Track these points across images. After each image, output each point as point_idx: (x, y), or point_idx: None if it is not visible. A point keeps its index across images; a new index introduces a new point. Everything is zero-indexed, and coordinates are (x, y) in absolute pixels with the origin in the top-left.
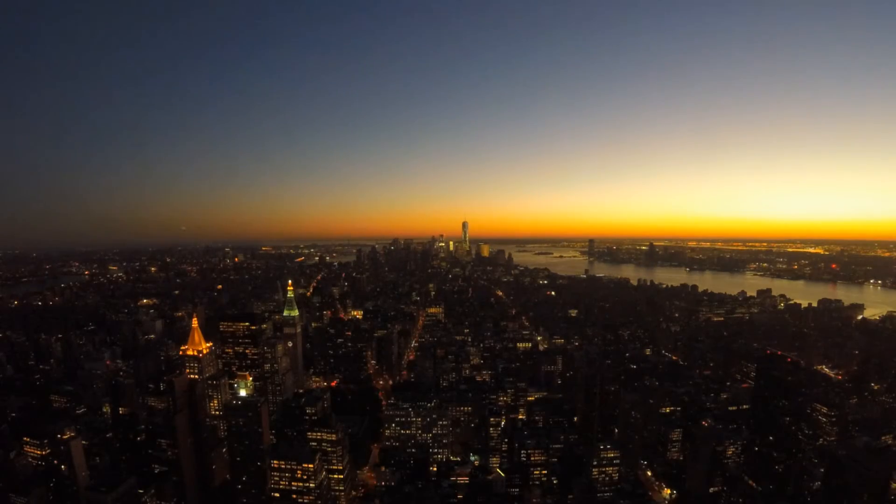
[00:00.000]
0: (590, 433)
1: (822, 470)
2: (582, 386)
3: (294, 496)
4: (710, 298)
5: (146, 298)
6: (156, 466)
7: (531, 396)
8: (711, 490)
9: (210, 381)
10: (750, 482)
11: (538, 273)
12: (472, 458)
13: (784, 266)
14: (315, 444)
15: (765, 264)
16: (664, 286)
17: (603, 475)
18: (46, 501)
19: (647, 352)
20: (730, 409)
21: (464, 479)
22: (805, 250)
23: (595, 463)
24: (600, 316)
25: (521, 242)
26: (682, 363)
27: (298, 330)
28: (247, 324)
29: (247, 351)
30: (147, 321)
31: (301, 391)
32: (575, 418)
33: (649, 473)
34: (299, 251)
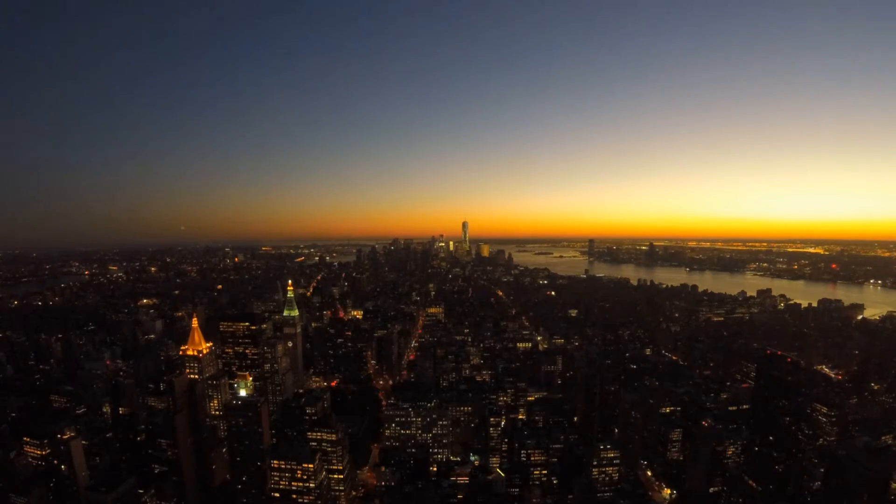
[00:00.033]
0: (590, 433)
1: (822, 470)
2: (582, 386)
3: (294, 496)
4: (710, 298)
5: (146, 298)
6: (156, 466)
7: (531, 396)
8: (711, 490)
9: (210, 381)
10: (750, 482)
11: (538, 273)
12: (472, 458)
13: (784, 266)
14: (315, 444)
15: (765, 264)
16: (664, 286)
17: (603, 475)
18: (46, 501)
19: (647, 352)
20: (730, 409)
21: (464, 479)
22: (805, 250)
23: (595, 463)
24: (600, 316)
25: (521, 242)
26: (682, 363)
27: (298, 330)
28: (247, 324)
29: (247, 351)
30: (147, 321)
31: (301, 391)
32: (575, 418)
33: (649, 473)
34: (299, 251)
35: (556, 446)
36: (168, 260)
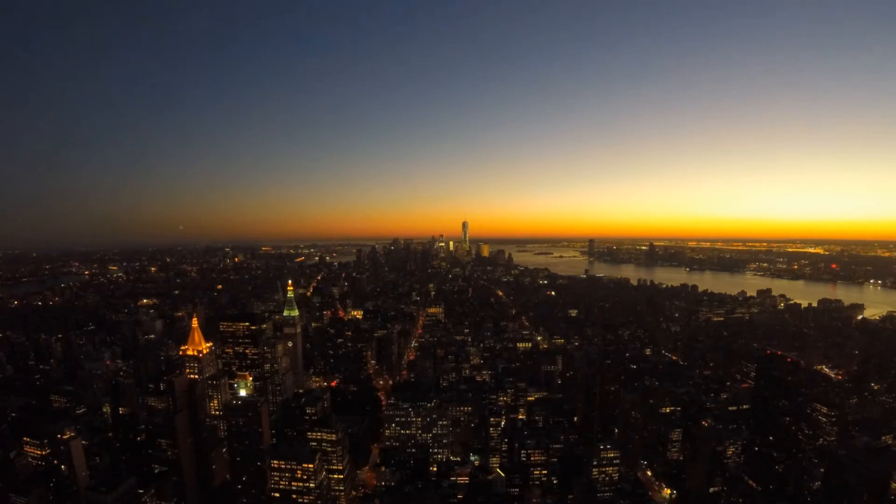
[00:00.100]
0: (590, 433)
1: (822, 470)
2: (582, 386)
3: (294, 496)
4: (710, 298)
5: (146, 298)
6: (156, 466)
7: (531, 396)
8: (711, 490)
9: (210, 381)
10: (750, 482)
11: (538, 273)
12: (472, 458)
13: (784, 266)
14: (315, 444)
15: (765, 264)
16: (664, 286)
17: (603, 475)
18: (46, 501)
19: (647, 352)
20: (730, 409)
21: (464, 479)
22: (805, 250)
23: (595, 463)
24: (600, 316)
25: (521, 242)
26: (682, 363)
27: (298, 330)
28: (247, 324)
29: (247, 351)
30: (147, 321)
31: (301, 391)
32: (575, 418)
33: (649, 473)
34: (299, 251)
35: (556, 446)
36: (168, 260)
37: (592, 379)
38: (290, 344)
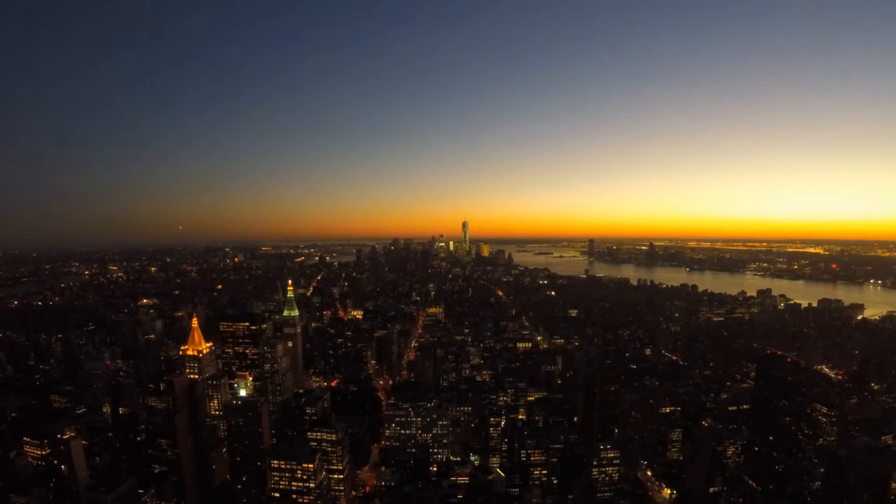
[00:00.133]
0: (590, 433)
1: (822, 470)
2: (582, 386)
3: (294, 496)
4: (710, 298)
5: (146, 298)
6: (156, 466)
7: (531, 396)
8: (711, 490)
9: (210, 381)
10: (750, 482)
11: (538, 273)
12: (472, 458)
13: (784, 266)
14: (315, 444)
15: (765, 264)
16: (664, 286)
17: (603, 475)
18: (46, 501)
19: (647, 352)
20: (730, 409)
21: (464, 479)
22: (805, 250)
23: (595, 463)
24: (600, 316)
25: (521, 242)
26: (682, 363)
27: (298, 330)
28: (247, 324)
29: (247, 351)
30: (147, 321)
31: (301, 391)
32: (575, 418)
33: (649, 473)
34: (299, 251)
35: (556, 446)
36: (168, 260)
37: (592, 379)
38: (290, 344)
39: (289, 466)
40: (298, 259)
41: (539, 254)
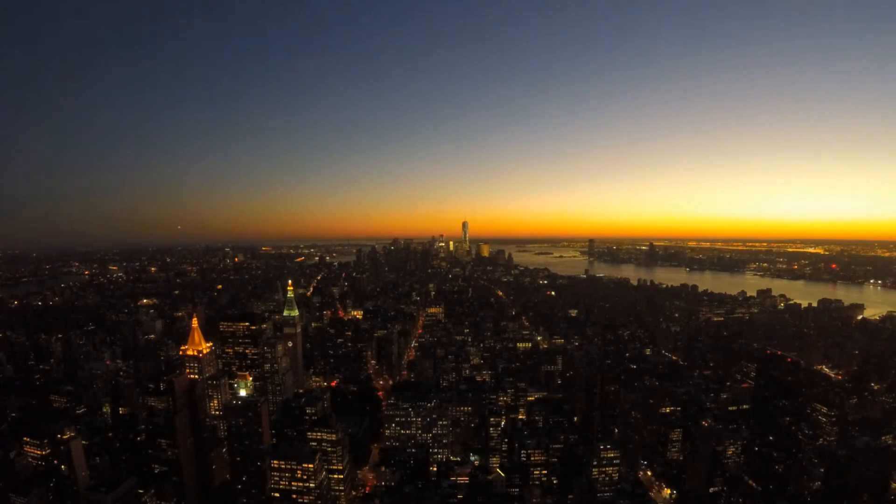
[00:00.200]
0: (590, 433)
1: (822, 470)
2: (582, 386)
3: (294, 496)
4: (710, 298)
5: (146, 298)
6: (156, 466)
7: (531, 396)
8: (711, 490)
9: (210, 381)
10: (750, 482)
11: (538, 273)
12: (472, 458)
13: (784, 266)
14: (315, 444)
15: (765, 264)
16: (664, 286)
17: (603, 475)
18: (46, 501)
19: (647, 352)
20: (730, 409)
21: (464, 479)
22: (805, 250)
23: (595, 463)
24: (600, 316)
25: (521, 242)
26: (682, 363)
27: (298, 330)
28: (247, 324)
29: (247, 351)
30: (147, 321)
31: (301, 391)
32: (575, 418)
33: (649, 473)
34: (299, 251)
35: (556, 446)
36: (168, 260)
37: (592, 379)
38: (290, 344)
39: (289, 466)
40: (298, 259)
41: (539, 254)
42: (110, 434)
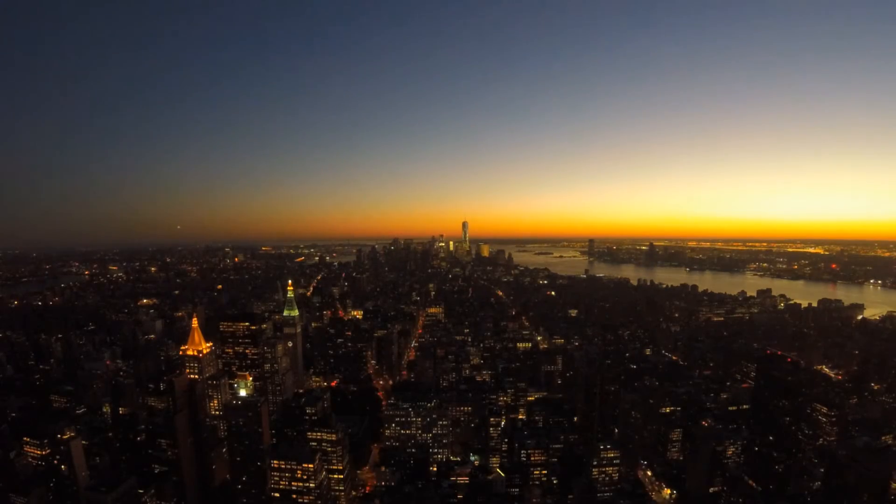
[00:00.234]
0: (590, 433)
1: (822, 470)
2: (582, 386)
3: (294, 496)
4: (710, 298)
5: (146, 298)
6: (156, 466)
7: (531, 396)
8: (711, 490)
9: (210, 381)
10: (750, 482)
11: (538, 273)
12: (472, 458)
13: (784, 266)
14: (315, 444)
15: (765, 264)
16: (664, 286)
17: (603, 475)
18: (46, 501)
19: (647, 352)
20: (730, 409)
21: (464, 479)
22: (805, 250)
23: (595, 463)
24: (600, 316)
25: (521, 242)
26: (682, 363)
27: (298, 330)
28: (247, 324)
29: (247, 351)
30: (147, 321)
31: (301, 391)
32: (575, 418)
33: (649, 473)
34: (299, 251)
35: (556, 446)
36: (168, 260)
37: (592, 379)
38: (290, 344)
39: (289, 466)
40: (298, 259)
41: (539, 254)
42: (110, 434)
